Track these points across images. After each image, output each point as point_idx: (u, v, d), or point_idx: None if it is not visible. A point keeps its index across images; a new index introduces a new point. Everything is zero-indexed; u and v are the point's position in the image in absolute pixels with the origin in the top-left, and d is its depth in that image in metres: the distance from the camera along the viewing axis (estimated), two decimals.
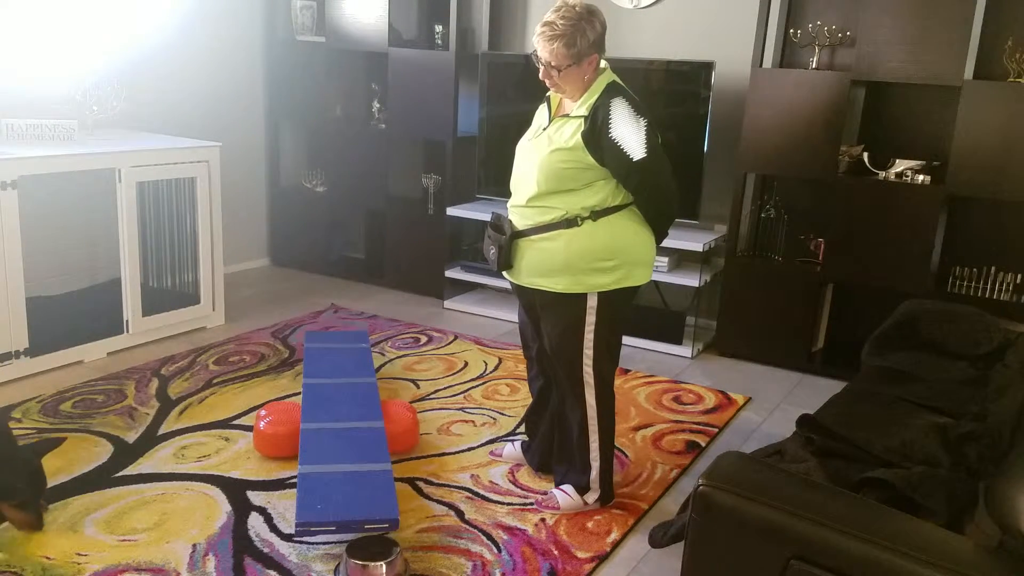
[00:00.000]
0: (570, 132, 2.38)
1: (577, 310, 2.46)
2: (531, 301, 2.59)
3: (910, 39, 3.55)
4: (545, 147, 2.42)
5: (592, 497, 2.63)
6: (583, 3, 2.35)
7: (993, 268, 3.71)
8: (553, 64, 2.35)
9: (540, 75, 2.42)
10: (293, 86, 5.12)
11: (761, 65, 3.88)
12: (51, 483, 2.60)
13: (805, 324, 3.97)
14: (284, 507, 2.56)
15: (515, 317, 3.29)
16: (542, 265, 2.45)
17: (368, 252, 5.39)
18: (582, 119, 2.37)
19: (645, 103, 2.43)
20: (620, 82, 2.44)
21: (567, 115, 2.43)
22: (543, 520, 2.58)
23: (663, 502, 2.75)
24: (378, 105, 5.02)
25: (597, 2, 2.66)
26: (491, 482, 2.80)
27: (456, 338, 4.21)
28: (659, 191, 2.43)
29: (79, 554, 2.28)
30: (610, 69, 2.46)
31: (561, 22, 2.31)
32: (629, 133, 2.31)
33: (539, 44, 2.36)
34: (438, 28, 4.70)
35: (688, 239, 4.08)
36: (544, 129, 2.47)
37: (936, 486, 1.86)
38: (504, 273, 2.57)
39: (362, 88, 5.18)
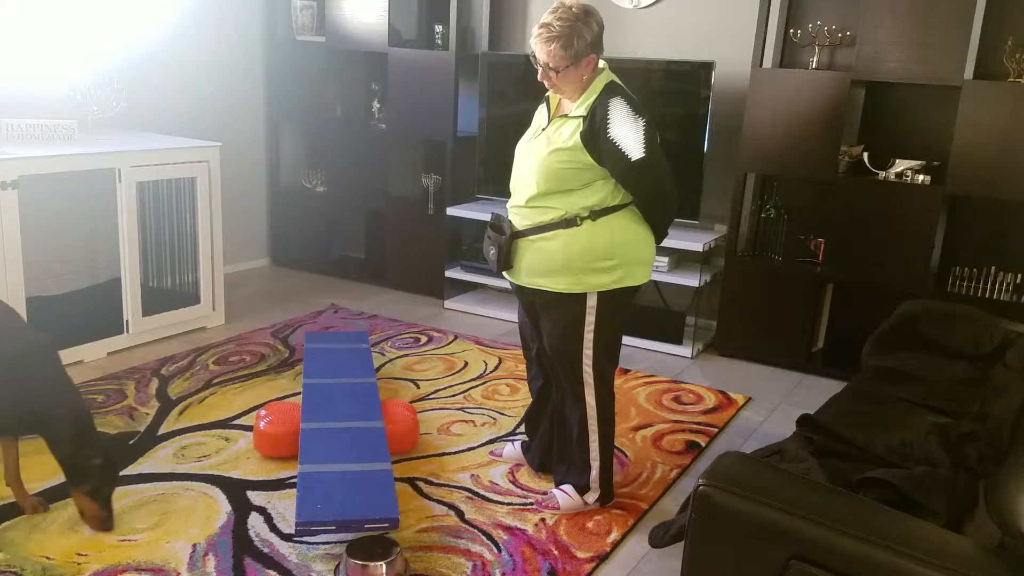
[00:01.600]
0: (569, 132, 2.38)
1: (577, 310, 2.46)
2: (531, 301, 2.58)
3: (910, 39, 3.55)
4: (544, 148, 2.42)
5: (592, 497, 2.63)
6: (579, 4, 2.35)
7: (993, 268, 3.71)
8: (551, 65, 2.35)
9: (539, 76, 2.42)
10: (293, 86, 5.12)
11: (761, 65, 3.88)
12: (50, 483, 2.60)
13: (805, 324, 3.96)
14: (284, 507, 2.56)
15: (515, 317, 3.29)
16: (542, 265, 2.45)
17: (368, 252, 5.39)
18: (581, 119, 2.37)
19: (645, 103, 2.43)
20: (618, 82, 2.44)
21: (566, 115, 2.43)
22: (543, 520, 2.58)
23: (663, 502, 2.75)
24: (378, 105, 5.02)
25: (596, 2, 2.66)
26: (491, 482, 2.80)
27: (456, 338, 4.21)
28: (658, 190, 2.43)
29: (79, 554, 2.28)
30: (608, 69, 2.46)
31: (558, 23, 2.31)
32: (628, 132, 2.31)
33: (536, 46, 2.36)
34: (438, 28, 4.70)
35: (688, 239, 4.08)
36: (543, 129, 2.47)
37: (936, 486, 1.86)
38: (504, 273, 2.57)
39: (362, 88, 5.17)
